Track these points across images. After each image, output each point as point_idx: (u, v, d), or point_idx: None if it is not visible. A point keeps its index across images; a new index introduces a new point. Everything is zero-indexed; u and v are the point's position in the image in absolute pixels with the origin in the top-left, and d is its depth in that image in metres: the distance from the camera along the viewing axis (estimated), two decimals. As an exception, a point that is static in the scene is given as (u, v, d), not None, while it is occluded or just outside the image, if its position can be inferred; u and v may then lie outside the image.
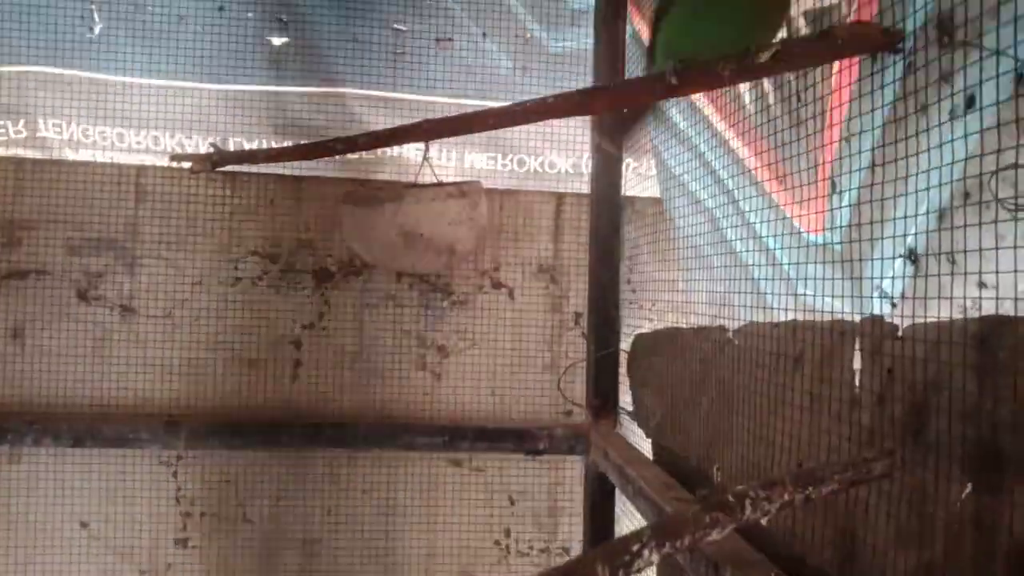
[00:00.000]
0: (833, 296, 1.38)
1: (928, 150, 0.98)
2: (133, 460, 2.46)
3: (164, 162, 2.56)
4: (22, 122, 2.61)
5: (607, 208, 2.55)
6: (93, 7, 2.58)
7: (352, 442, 2.43)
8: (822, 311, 1.38)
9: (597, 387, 2.51)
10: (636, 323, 2.49)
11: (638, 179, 2.65)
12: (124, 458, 2.45)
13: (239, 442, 2.39)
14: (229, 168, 2.23)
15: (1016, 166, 0.88)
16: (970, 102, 0.93)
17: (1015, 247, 0.91)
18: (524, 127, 2.75)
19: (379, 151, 2.78)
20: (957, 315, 1.02)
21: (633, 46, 2.53)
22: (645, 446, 2.27)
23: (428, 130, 1.58)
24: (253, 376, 2.49)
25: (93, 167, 2.48)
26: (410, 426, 2.46)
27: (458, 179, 2.54)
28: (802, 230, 1.56)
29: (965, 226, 0.99)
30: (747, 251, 1.78)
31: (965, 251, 1.00)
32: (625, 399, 2.47)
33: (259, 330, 2.49)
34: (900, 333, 1.17)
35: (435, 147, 2.79)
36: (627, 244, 2.56)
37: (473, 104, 2.78)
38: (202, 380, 2.47)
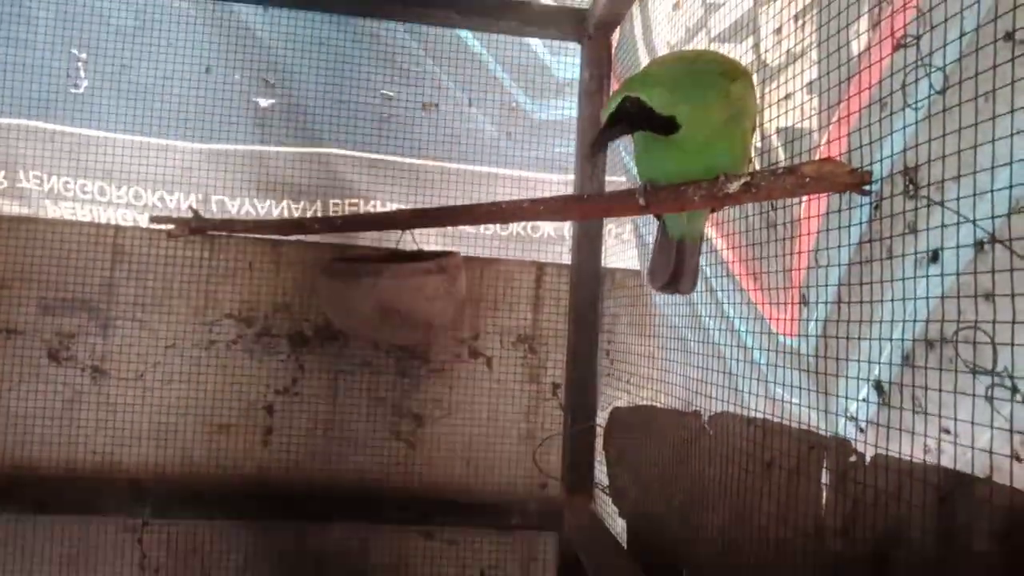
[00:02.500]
0: (804, 405, 1.38)
1: (892, 300, 0.98)
2: (97, 525, 2.40)
3: (144, 219, 2.55)
4: (2, 173, 2.60)
5: (587, 279, 2.55)
6: (80, 65, 2.59)
7: (322, 515, 2.38)
8: (792, 418, 1.37)
9: (573, 461, 2.49)
10: (614, 394, 2.47)
11: (619, 244, 2.66)
12: (88, 523, 2.39)
13: (206, 511, 2.34)
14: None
15: (975, 328, 0.88)
16: (935, 256, 0.93)
17: (973, 401, 0.90)
18: (509, 189, 2.77)
19: (361, 211, 2.79)
20: (922, 452, 1.02)
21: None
22: (620, 522, 2.25)
23: (406, 220, 1.58)
24: (224, 441, 2.45)
25: (70, 226, 2.46)
26: (382, 498, 2.42)
27: (438, 248, 2.54)
28: (775, 331, 1.55)
29: (926, 369, 0.99)
30: (725, 344, 1.77)
31: (926, 392, 0.99)
32: (601, 471, 2.45)
33: (231, 395, 2.46)
34: (867, 461, 1.17)
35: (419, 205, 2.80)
36: (606, 315, 2.55)
37: (457, 168, 2.80)
38: (172, 445, 2.43)
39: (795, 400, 1.42)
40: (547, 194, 2.79)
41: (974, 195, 0.85)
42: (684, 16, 1.98)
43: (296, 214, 2.71)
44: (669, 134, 1.10)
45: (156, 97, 2.59)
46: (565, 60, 2.77)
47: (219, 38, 2.60)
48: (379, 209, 2.78)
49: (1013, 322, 0.80)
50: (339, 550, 2.50)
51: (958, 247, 0.87)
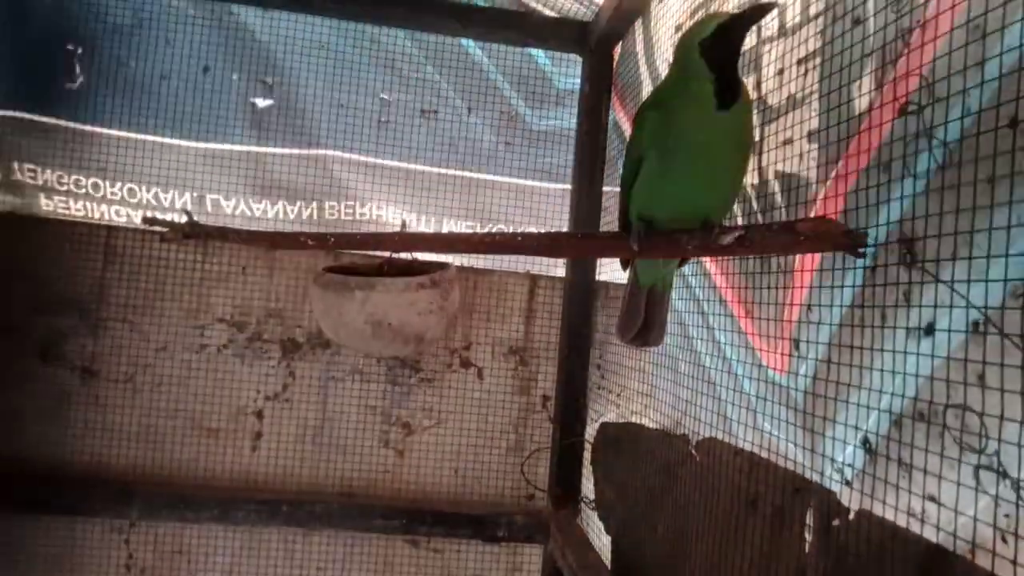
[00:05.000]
0: (791, 442, 1.38)
1: (882, 370, 0.98)
2: (84, 525, 2.41)
3: (139, 216, 2.54)
4: (-4, 165, 2.58)
5: (580, 292, 2.55)
6: (76, 59, 2.56)
7: (308, 522, 2.39)
8: (778, 451, 1.38)
9: (560, 474, 2.50)
10: (604, 408, 2.48)
11: (613, 259, 2.66)
12: (75, 522, 2.40)
13: (193, 515, 2.35)
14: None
15: (964, 408, 0.88)
16: (928, 329, 0.93)
17: (958, 483, 0.91)
18: (504, 198, 2.76)
19: (357, 215, 2.78)
20: (906, 514, 1.02)
21: (614, 134, 2.54)
22: (606, 538, 2.26)
23: (400, 242, 1.57)
24: (213, 445, 2.45)
25: (62, 224, 2.45)
26: (368, 507, 2.43)
27: (433, 255, 2.53)
28: (765, 364, 1.56)
29: (914, 436, 0.99)
30: (714, 369, 1.78)
31: (912, 456, 1.00)
32: (589, 486, 2.47)
33: (221, 399, 2.46)
34: (851, 516, 1.18)
35: (414, 212, 2.80)
36: (598, 329, 2.56)
37: (454, 174, 2.79)
38: (160, 447, 2.43)
39: (782, 435, 1.42)
40: (542, 203, 2.79)
41: (968, 280, 0.85)
42: (687, 40, 1.96)
43: (292, 216, 2.71)
44: (728, 105, 1.11)
45: (153, 94, 2.57)
46: (566, 70, 2.76)
47: (218, 38, 2.57)
48: (375, 212, 2.78)
49: (1001, 416, 0.80)
50: (324, 556, 2.51)
51: (950, 329, 0.88)
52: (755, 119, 1.48)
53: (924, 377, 0.92)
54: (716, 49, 1.09)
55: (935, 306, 0.90)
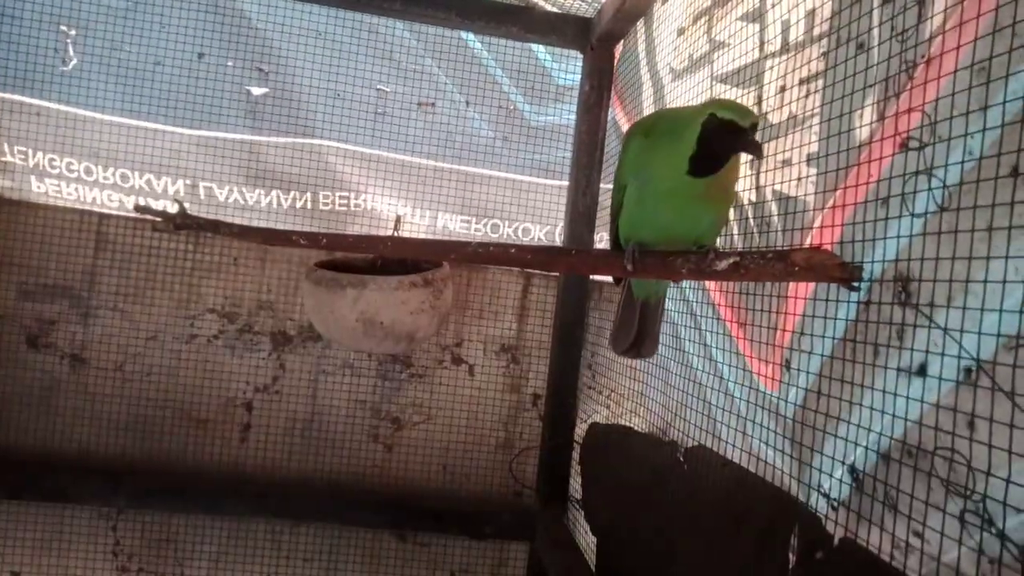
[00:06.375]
0: (779, 450, 1.37)
1: (871, 408, 0.98)
2: (72, 511, 2.41)
3: (130, 201, 2.51)
4: (-14, 146, 2.54)
5: (574, 291, 2.55)
6: (69, 41, 2.52)
7: (296, 514, 2.40)
8: (766, 460, 1.37)
9: (549, 473, 2.51)
10: (594, 408, 2.49)
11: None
12: (63, 508, 2.40)
13: (180, 504, 2.35)
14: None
15: (952, 453, 0.88)
16: (920, 371, 0.92)
17: (943, 518, 0.91)
18: (501, 193, 2.74)
19: (351, 206, 2.76)
20: (890, 547, 1.03)
21: (613, 132, 2.52)
22: (591, 538, 2.28)
23: (392, 247, 1.56)
24: (201, 436, 2.45)
25: (53, 211, 2.42)
26: (356, 501, 2.44)
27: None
28: (755, 374, 1.55)
29: (899, 483, 0.99)
30: (704, 372, 1.77)
31: (898, 493, 1.00)
32: (576, 485, 2.48)
33: (211, 390, 2.45)
34: (835, 542, 1.18)
35: (409, 205, 2.77)
36: (591, 329, 2.56)
37: (450, 167, 2.76)
38: (149, 437, 2.43)
39: (769, 443, 1.41)
40: (538, 198, 2.77)
41: (961, 330, 0.84)
42: (689, 45, 1.94)
43: (285, 205, 2.68)
44: (706, 175, 1.09)
45: (146, 80, 2.53)
46: (566, 65, 2.73)
47: (213, 24, 2.53)
48: (370, 204, 2.76)
49: (988, 470, 0.80)
50: (311, 548, 2.52)
51: (941, 377, 0.87)
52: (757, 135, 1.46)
53: (913, 421, 0.92)
54: (716, 133, 1.06)
55: (926, 351, 0.90)
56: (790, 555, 1.31)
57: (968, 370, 0.86)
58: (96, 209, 2.47)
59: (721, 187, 1.14)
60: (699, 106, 1.14)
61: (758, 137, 1.48)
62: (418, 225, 2.70)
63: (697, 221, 1.15)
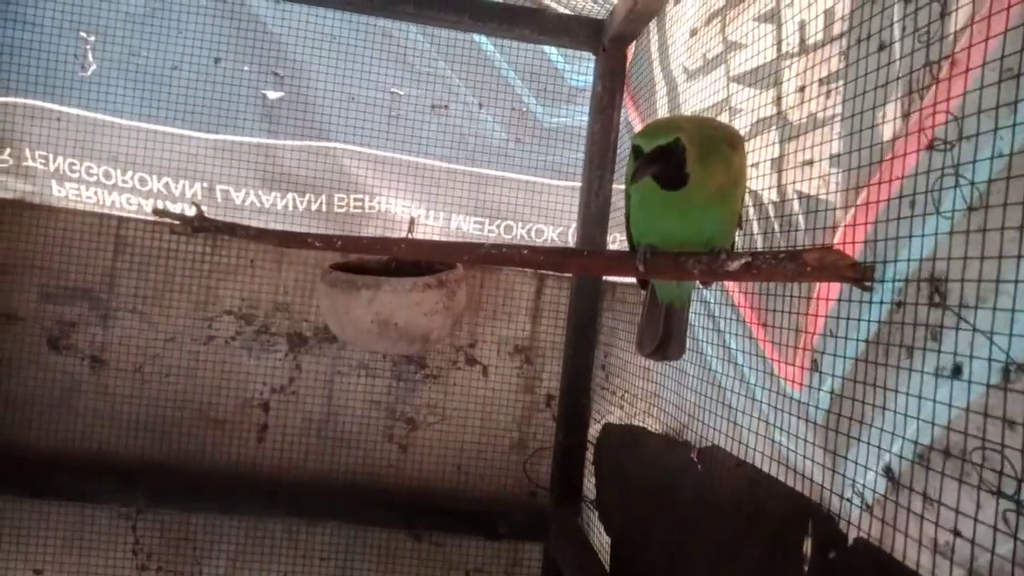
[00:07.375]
0: (805, 456, 1.34)
1: (905, 414, 0.97)
2: (93, 510, 2.44)
3: (149, 205, 2.55)
4: (7, 151, 2.59)
5: (587, 292, 2.55)
6: (88, 48, 2.56)
7: (312, 513, 2.42)
8: (789, 463, 1.36)
9: (563, 473, 2.51)
10: (607, 408, 2.49)
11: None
12: (83, 508, 2.44)
13: (198, 504, 2.38)
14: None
15: (991, 451, 0.88)
16: (957, 370, 0.91)
17: (974, 523, 0.90)
18: (514, 194, 2.76)
19: (366, 208, 2.78)
20: (916, 556, 1.00)
21: (626, 133, 2.53)
22: (606, 538, 2.28)
23: (406, 248, 1.58)
24: (219, 436, 2.48)
25: (73, 214, 2.46)
26: (372, 500, 2.46)
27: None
28: (780, 377, 1.51)
29: (943, 475, 0.96)
30: (722, 374, 1.75)
31: (940, 498, 0.97)
32: (590, 485, 2.48)
33: (228, 390, 2.48)
34: (849, 543, 1.17)
35: (423, 207, 2.79)
36: (604, 330, 2.56)
37: (464, 169, 2.78)
38: (167, 437, 2.46)
39: (793, 448, 1.37)
40: (552, 200, 2.78)
41: (992, 330, 0.84)
42: (702, 45, 1.94)
43: (301, 208, 2.71)
44: (675, 189, 1.11)
45: (164, 84, 2.57)
46: (578, 67, 2.74)
47: (229, 29, 2.56)
48: (384, 206, 2.78)
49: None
50: (327, 547, 2.54)
51: (970, 380, 0.87)
52: (775, 135, 1.46)
53: (943, 425, 0.92)
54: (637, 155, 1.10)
55: (954, 352, 0.89)
56: (805, 551, 1.31)
57: (1006, 371, 0.85)
58: (115, 213, 2.51)
59: (711, 192, 1.15)
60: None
61: (776, 136, 1.48)
62: (432, 227, 2.72)
63: (700, 225, 1.16)
